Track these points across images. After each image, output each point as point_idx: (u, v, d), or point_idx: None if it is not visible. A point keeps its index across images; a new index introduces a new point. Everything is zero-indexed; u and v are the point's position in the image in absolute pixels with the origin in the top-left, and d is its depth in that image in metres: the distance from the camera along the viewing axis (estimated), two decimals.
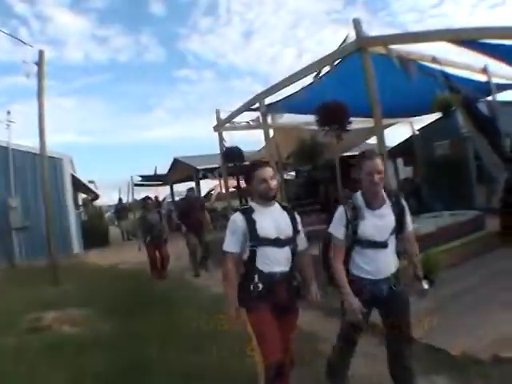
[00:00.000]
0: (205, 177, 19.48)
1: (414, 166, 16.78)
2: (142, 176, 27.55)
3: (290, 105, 8.56)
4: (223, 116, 11.30)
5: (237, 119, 11.07)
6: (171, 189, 26.62)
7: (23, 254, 13.30)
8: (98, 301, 7.49)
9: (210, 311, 6.31)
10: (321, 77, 7.27)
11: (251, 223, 3.10)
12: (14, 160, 13.45)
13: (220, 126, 11.45)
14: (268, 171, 3.20)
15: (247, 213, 3.17)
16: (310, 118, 10.64)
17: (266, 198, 3.18)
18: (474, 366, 3.68)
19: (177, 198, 27.95)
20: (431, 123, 13.74)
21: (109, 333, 5.71)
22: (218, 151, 12.06)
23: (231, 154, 11.28)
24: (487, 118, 8.46)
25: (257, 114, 10.08)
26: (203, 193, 25.69)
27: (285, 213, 3.27)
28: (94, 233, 18.21)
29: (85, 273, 11.25)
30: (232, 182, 23.74)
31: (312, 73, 7.37)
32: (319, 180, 16.55)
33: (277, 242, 3.10)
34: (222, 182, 13.14)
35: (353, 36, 6.55)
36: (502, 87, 9.45)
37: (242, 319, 3.09)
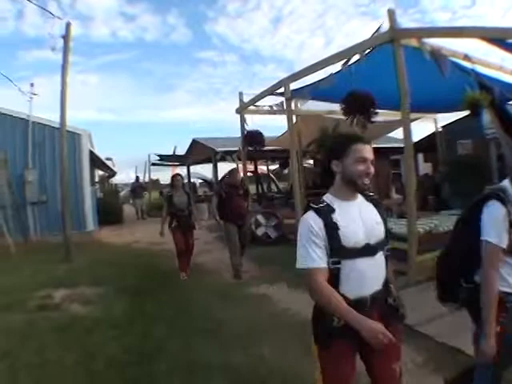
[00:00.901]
0: (223, 159, 19.35)
1: (433, 163, 16.60)
2: (159, 155, 27.56)
3: (316, 91, 8.43)
4: (246, 99, 11.22)
5: (259, 103, 10.98)
6: (188, 170, 26.52)
7: (38, 229, 13.24)
8: (110, 280, 7.56)
9: (221, 295, 6.34)
10: (350, 65, 7.15)
11: (332, 229, 2.20)
12: (33, 133, 13.39)
13: (242, 109, 11.38)
14: (369, 150, 2.31)
15: (325, 214, 2.23)
16: (334, 106, 10.58)
17: (358, 188, 2.31)
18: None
19: (193, 180, 28.00)
20: (455, 121, 13.62)
21: (120, 313, 5.71)
22: (238, 134, 12.02)
23: (252, 138, 11.23)
24: None
25: (280, 98, 9.99)
26: (220, 176, 25.73)
27: (371, 206, 2.40)
28: (109, 210, 18.19)
29: (98, 251, 11.34)
30: (249, 167, 23.76)
31: (341, 60, 7.27)
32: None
33: (367, 250, 2.24)
34: (240, 165, 13.00)
35: (386, 26, 6.42)
36: None
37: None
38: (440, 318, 4.81)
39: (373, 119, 7.15)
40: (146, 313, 5.64)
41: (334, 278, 2.20)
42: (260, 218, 11.31)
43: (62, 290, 7.02)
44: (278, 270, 7.62)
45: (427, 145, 14.96)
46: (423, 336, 4.45)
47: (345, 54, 7.18)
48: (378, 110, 7.32)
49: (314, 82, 8.39)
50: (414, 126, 13.95)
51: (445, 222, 7.56)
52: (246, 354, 4.25)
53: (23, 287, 7.11)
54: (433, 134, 14.93)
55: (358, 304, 2.17)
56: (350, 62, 7.15)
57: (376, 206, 2.42)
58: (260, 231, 11.22)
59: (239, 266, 7.91)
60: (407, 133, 6.30)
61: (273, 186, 22.91)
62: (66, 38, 10.26)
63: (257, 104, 10.93)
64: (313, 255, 2.18)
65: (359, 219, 2.27)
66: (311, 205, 2.29)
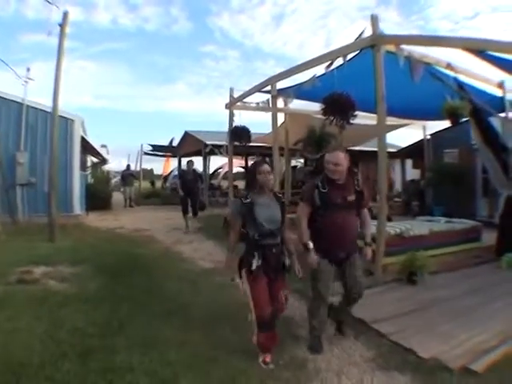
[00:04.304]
0: (212, 152, 19.53)
1: (421, 169, 16.78)
2: (152, 145, 27.73)
3: (300, 91, 8.59)
4: (237, 95, 11.35)
5: (251, 100, 11.11)
6: (179, 162, 26.53)
7: (26, 210, 13.31)
8: (89, 260, 7.77)
9: (193, 283, 6.52)
10: (332, 69, 7.28)
11: None
12: (27, 116, 13.45)
13: (232, 104, 11.51)
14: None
15: None
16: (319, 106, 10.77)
17: None
18: (441, 373, 3.64)
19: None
20: (443, 130, 13.83)
21: (92, 291, 5.95)
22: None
23: (238, 133, 11.37)
24: (496, 132, 8.37)
25: (268, 96, 10.12)
26: (211, 170, 25.85)
27: None
28: (98, 196, 18.41)
29: (82, 233, 11.50)
30: (240, 162, 23.87)
31: (325, 62, 7.39)
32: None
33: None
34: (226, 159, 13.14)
35: (369, 31, 6.53)
36: None
37: None
38: (397, 317, 4.96)
39: (351, 121, 7.26)
40: (117, 292, 5.84)
41: None
42: None
43: (43, 267, 7.25)
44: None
45: (416, 151, 15.15)
46: (377, 333, 4.54)
47: (328, 56, 7.32)
48: (366, 114, 7.43)
49: (301, 83, 8.53)
50: (403, 131, 14.25)
51: (416, 226, 7.70)
52: (206, 333, 4.49)
53: (6, 263, 7.31)
54: (421, 140, 15.11)
55: None
56: (333, 65, 7.29)
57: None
58: None
59: (320, 333, 4.37)
60: (381, 138, 6.42)
61: None
62: (62, 26, 10.35)
63: (245, 101, 11.08)
64: None
65: None
66: None
